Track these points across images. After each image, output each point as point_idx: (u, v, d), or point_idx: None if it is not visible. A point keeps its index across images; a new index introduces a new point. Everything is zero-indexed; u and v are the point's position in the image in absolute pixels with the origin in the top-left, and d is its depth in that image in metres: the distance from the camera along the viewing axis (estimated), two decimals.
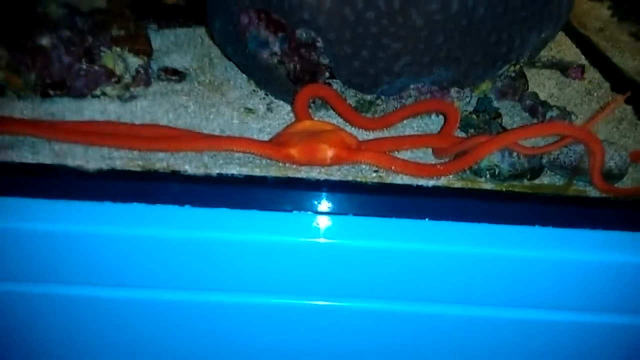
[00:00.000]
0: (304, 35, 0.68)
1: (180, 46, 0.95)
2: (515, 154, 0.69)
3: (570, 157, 0.69)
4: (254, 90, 0.82)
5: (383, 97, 0.76)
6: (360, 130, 0.76)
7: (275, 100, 0.80)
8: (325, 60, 0.70)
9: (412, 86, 0.74)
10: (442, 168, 0.68)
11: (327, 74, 0.72)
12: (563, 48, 1.18)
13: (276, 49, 0.70)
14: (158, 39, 0.94)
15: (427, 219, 0.66)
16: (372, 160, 0.67)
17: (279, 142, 0.69)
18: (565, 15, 0.75)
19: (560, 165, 0.70)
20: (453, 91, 0.76)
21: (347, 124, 0.76)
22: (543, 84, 1.00)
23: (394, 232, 0.65)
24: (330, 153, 0.67)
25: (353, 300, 0.69)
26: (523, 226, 0.66)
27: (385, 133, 0.77)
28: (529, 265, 0.66)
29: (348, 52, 0.67)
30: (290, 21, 0.67)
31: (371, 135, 0.76)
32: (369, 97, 0.75)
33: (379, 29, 0.65)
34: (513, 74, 0.84)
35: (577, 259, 0.65)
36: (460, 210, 0.67)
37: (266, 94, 0.80)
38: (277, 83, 0.76)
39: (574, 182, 0.71)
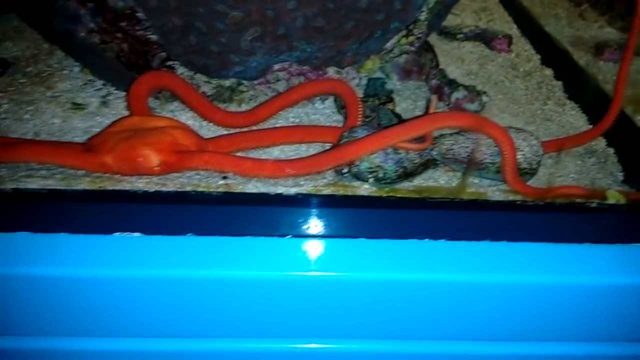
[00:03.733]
0: (119, 3, 0.52)
1: (22, 31, 0.77)
2: (401, 150, 0.55)
3: (466, 147, 0.55)
4: (90, 81, 0.65)
5: (245, 81, 0.60)
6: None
7: (115, 92, 0.64)
8: (154, 37, 0.54)
9: (275, 67, 0.58)
10: (302, 166, 0.53)
11: (163, 55, 0.56)
12: (494, 17, 1.04)
13: (90, 23, 0.54)
14: None
15: (290, 237, 0.51)
16: (211, 164, 0.52)
17: (92, 146, 0.53)
18: None
19: (454, 157, 0.56)
20: (331, 71, 0.61)
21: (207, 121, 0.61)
22: (462, 59, 0.85)
23: (242, 257, 0.50)
24: (156, 159, 0.51)
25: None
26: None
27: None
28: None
29: (177, 25, 0.52)
30: None
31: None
32: (227, 83, 0.60)
33: None
34: (415, 49, 0.70)
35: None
36: (332, 224, 0.53)
37: (104, 84, 0.64)
38: (110, 69, 0.60)
39: (484, 177, 0.58)
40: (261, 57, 0.56)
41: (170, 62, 0.57)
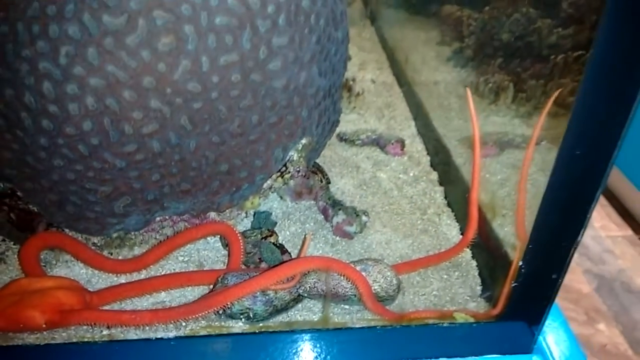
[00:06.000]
0: (0, 185, 0.58)
1: None
2: (270, 291, 0.61)
3: (328, 283, 0.62)
4: None
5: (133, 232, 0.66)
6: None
7: (13, 246, 0.69)
8: (34, 208, 0.60)
9: (157, 218, 0.64)
10: (175, 314, 0.59)
11: (46, 221, 0.62)
12: (396, 113, 1.12)
13: None
14: None
15: None
16: (91, 320, 0.57)
17: None
18: (322, 121, 0.69)
19: (319, 293, 0.62)
20: (213, 214, 0.67)
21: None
22: (358, 167, 0.93)
23: None
24: (41, 320, 0.57)
25: None
26: None
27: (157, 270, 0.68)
28: None
29: (55, 200, 0.58)
30: None
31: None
32: (115, 234, 0.66)
33: (76, 175, 0.55)
34: (304, 174, 0.77)
35: None
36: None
37: (3, 240, 0.69)
38: (5, 230, 0.65)
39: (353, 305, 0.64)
40: (137, 217, 0.62)
41: (55, 226, 0.63)
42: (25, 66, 0.51)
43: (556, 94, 0.67)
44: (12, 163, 0.55)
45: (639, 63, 0.42)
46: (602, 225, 1.33)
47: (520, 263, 0.56)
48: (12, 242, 0.68)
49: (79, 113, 0.52)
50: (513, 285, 0.59)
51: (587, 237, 1.28)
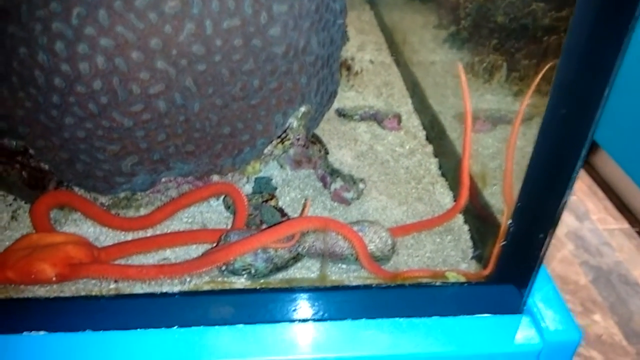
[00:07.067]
0: (14, 143, 0.61)
1: None
2: (270, 249, 0.64)
3: (326, 243, 0.65)
4: (1, 196, 0.73)
5: (140, 192, 0.69)
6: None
7: (25, 205, 0.71)
8: (46, 166, 0.62)
9: (163, 179, 0.67)
10: (179, 269, 0.62)
11: (57, 179, 0.64)
12: (394, 91, 1.15)
13: None
14: None
15: (176, 327, 0.60)
16: (99, 273, 0.60)
17: None
18: (321, 90, 0.71)
19: (317, 252, 0.65)
20: (216, 177, 0.70)
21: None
22: (356, 140, 0.96)
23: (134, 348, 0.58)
24: (51, 272, 0.60)
25: None
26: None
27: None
28: None
29: (65, 157, 0.60)
30: None
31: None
32: (122, 195, 0.68)
33: (86, 133, 0.58)
34: (303, 143, 0.80)
35: None
36: (211, 314, 0.61)
37: (14, 199, 0.72)
38: (16, 189, 0.68)
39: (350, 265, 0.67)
40: (144, 176, 0.64)
41: (65, 184, 0.66)
42: (39, 26, 0.54)
43: (546, 67, 0.69)
44: (25, 121, 0.58)
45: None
46: (599, 218, 1.36)
47: (510, 221, 0.59)
48: (23, 201, 0.71)
49: (89, 72, 0.55)
50: (502, 245, 0.62)
51: (585, 230, 1.31)
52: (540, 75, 0.66)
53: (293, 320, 0.61)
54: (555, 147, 0.54)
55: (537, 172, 0.56)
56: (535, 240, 0.59)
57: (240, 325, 0.60)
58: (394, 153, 0.92)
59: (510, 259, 0.62)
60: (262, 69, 0.62)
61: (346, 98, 1.10)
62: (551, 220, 0.57)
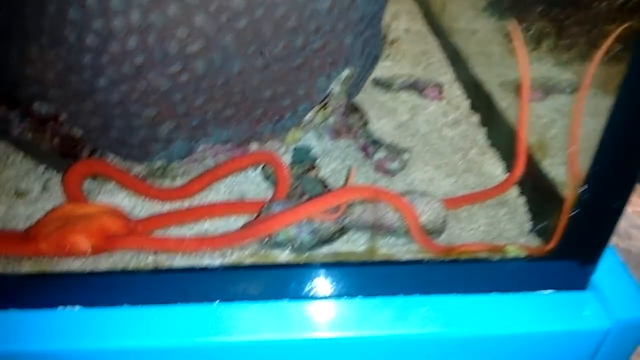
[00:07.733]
0: (44, 108, 0.57)
1: None
2: (316, 220, 0.60)
3: (375, 214, 0.60)
4: (32, 167, 0.70)
5: (176, 161, 0.65)
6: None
7: (56, 175, 0.68)
8: (79, 133, 0.59)
9: (200, 147, 0.63)
10: (220, 241, 0.58)
11: (90, 146, 0.61)
12: (432, 60, 1.09)
13: (20, 125, 0.59)
14: None
15: (217, 301, 0.56)
16: (136, 245, 0.57)
17: (31, 235, 0.58)
18: (365, 52, 0.66)
19: (364, 224, 0.61)
20: (255, 145, 0.66)
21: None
22: (395, 110, 0.91)
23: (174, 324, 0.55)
24: (86, 244, 0.57)
25: None
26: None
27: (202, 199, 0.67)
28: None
29: (99, 123, 0.57)
30: (22, 95, 0.56)
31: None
32: (158, 164, 0.65)
33: (121, 97, 0.54)
34: (344, 111, 0.75)
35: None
36: (255, 289, 0.58)
37: (46, 169, 0.69)
38: (48, 158, 0.65)
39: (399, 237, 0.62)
40: (181, 143, 0.61)
41: (99, 152, 0.62)
42: None
43: (618, 31, 0.62)
44: (56, 83, 0.54)
45: None
46: (628, 201, 1.28)
47: (584, 187, 0.54)
48: (55, 171, 0.68)
49: (123, 29, 0.51)
50: (569, 219, 0.57)
51: None
52: (609, 41, 0.59)
53: (340, 296, 0.58)
54: (635, 112, 0.48)
55: (614, 138, 0.50)
56: (608, 211, 0.54)
57: (285, 301, 0.57)
58: (437, 123, 0.87)
59: (578, 232, 0.57)
60: (305, 27, 0.57)
61: (382, 67, 1.04)
62: (629, 188, 0.52)
